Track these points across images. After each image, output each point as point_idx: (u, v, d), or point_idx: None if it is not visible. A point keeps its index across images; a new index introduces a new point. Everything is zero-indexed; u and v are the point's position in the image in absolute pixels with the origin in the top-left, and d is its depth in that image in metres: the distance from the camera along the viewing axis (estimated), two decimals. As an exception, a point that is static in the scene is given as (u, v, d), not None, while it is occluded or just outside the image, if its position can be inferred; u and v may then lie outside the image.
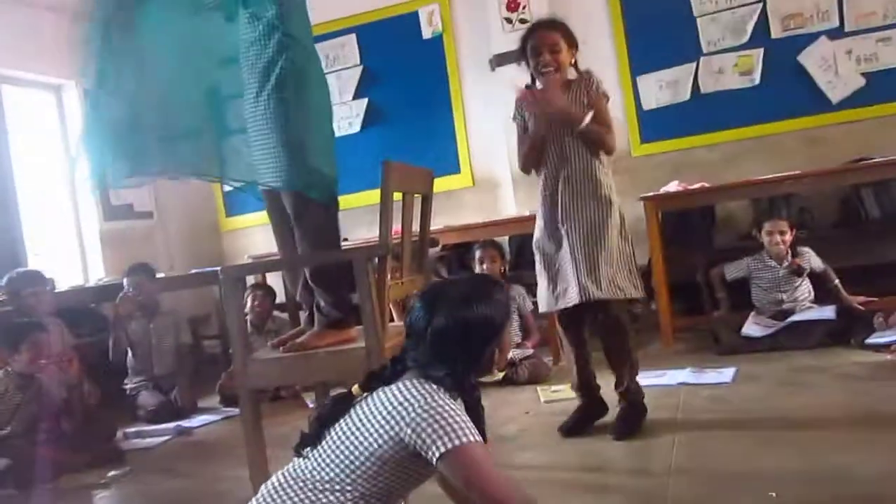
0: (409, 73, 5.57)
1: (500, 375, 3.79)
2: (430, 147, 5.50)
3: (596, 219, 2.74)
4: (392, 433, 1.41)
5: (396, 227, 2.31)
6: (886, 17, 4.69)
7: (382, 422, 1.43)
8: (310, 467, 1.49)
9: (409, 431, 1.39)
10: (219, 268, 5.36)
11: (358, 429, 1.46)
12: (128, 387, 4.45)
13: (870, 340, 3.64)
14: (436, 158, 5.41)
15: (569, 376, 3.04)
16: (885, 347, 3.52)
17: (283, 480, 1.51)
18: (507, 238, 5.06)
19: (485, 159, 5.50)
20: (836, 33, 4.78)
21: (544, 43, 2.76)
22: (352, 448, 1.45)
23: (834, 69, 4.78)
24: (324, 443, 1.50)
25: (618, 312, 2.81)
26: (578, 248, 2.73)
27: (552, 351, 4.18)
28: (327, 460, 1.47)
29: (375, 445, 1.42)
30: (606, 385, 2.97)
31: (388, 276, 2.26)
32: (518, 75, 3.02)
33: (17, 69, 5.18)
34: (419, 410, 1.40)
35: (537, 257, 2.91)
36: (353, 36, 5.67)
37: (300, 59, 2.31)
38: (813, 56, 4.82)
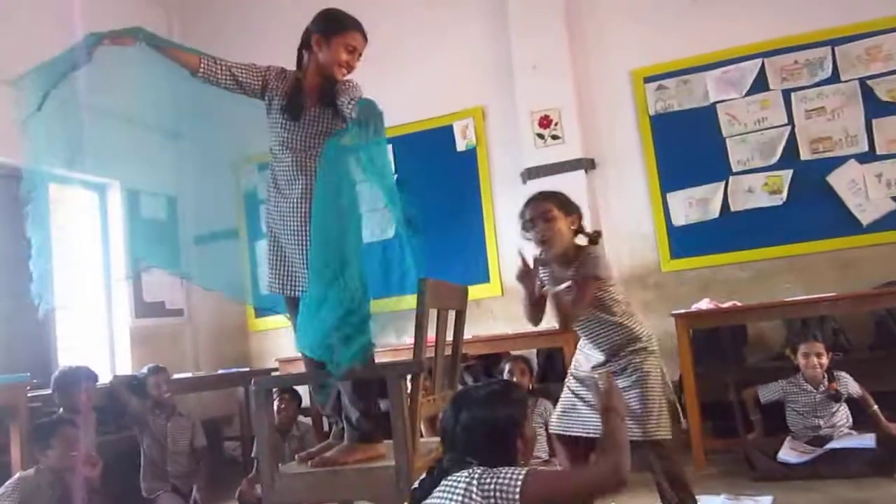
0: (441, 183, 5.69)
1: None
2: (461, 255, 5.56)
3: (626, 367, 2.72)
4: None
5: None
6: (916, 143, 4.76)
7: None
8: None
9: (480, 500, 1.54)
10: (246, 369, 5.40)
11: None
12: (144, 487, 4.38)
13: (913, 472, 3.50)
14: (466, 267, 5.47)
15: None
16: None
17: None
18: (534, 351, 5.02)
19: (514, 269, 5.51)
20: (866, 157, 4.84)
21: (537, 213, 2.80)
22: None
23: (864, 192, 4.82)
24: None
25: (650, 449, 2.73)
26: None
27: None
28: None
29: None
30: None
31: (420, 394, 2.25)
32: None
33: (64, 168, 5.37)
34: (476, 482, 1.56)
35: (571, 380, 2.88)
36: (389, 147, 5.83)
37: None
38: (842, 178, 4.87)
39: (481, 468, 1.61)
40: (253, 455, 4.58)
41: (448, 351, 2.56)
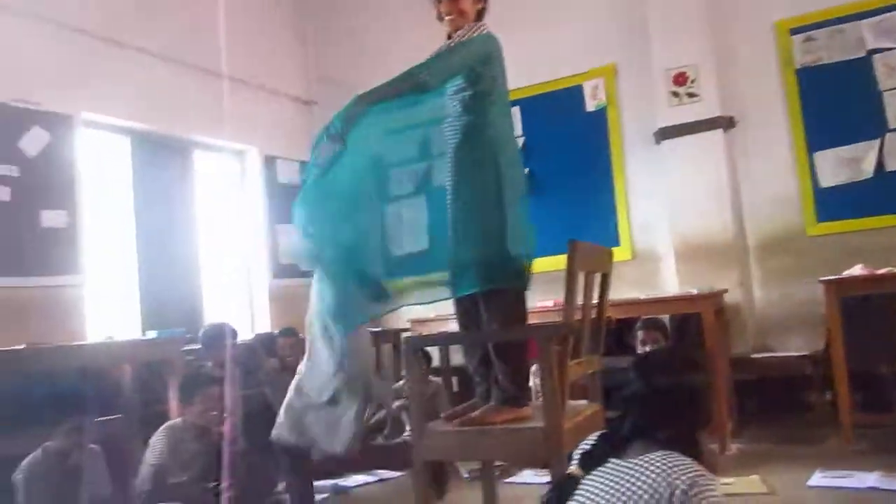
0: (570, 145, 5.59)
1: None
2: (589, 219, 5.46)
3: None
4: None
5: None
6: None
7: (648, 495, 1.49)
8: None
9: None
10: (378, 328, 5.54)
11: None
12: (286, 440, 4.59)
13: None
14: (595, 231, 5.37)
15: (740, 465, 2.84)
16: None
17: None
18: (667, 317, 4.88)
19: (645, 233, 5.39)
20: None
21: None
22: None
23: None
24: None
25: None
26: None
27: (718, 437, 3.95)
28: None
29: None
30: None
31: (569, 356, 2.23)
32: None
33: (206, 135, 5.64)
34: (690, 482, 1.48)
35: None
36: (517, 109, 5.78)
37: (501, 136, 2.41)
38: None
39: (681, 467, 1.52)
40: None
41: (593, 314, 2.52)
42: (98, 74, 4.72)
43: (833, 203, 4.84)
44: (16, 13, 4.33)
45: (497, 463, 3.07)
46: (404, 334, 5.38)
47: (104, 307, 4.79)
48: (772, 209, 5.01)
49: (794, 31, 4.98)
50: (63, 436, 3.23)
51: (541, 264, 4.91)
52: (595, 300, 2.52)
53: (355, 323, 2.68)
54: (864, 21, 4.78)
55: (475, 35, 2.47)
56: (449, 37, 2.59)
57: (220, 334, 4.28)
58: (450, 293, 2.48)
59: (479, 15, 2.57)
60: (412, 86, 2.33)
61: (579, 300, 2.33)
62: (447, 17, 2.54)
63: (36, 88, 4.40)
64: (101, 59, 4.75)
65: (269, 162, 6.08)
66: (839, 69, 4.85)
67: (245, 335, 5.63)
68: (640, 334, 4.12)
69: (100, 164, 4.98)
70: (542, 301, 4.52)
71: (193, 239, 5.56)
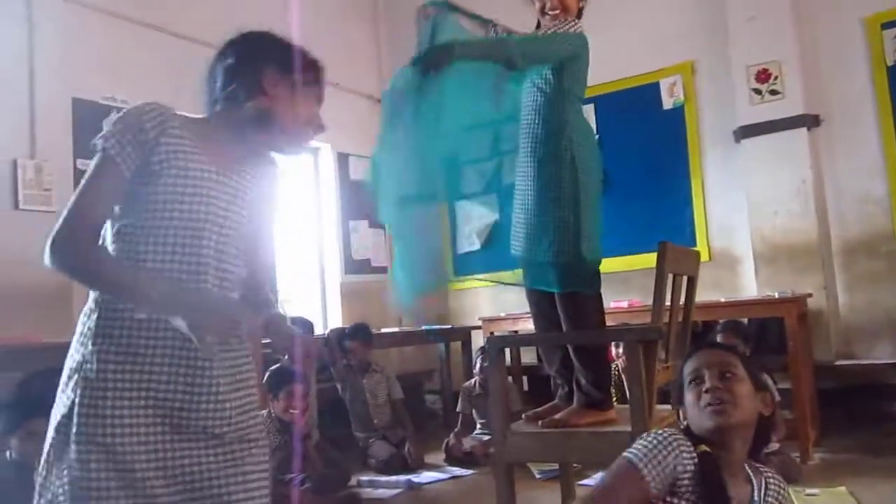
0: (646, 143, 5.50)
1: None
2: (665, 219, 5.36)
3: None
4: None
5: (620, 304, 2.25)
6: None
7: None
8: None
9: None
10: (448, 326, 5.55)
11: None
12: (359, 436, 4.65)
13: None
14: (670, 231, 5.25)
15: (824, 477, 2.74)
16: None
17: None
18: (745, 320, 4.76)
19: (723, 234, 5.27)
20: None
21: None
22: None
23: None
24: None
25: None
26: None
27: (800, 447, 3.83)
28: None
29: None
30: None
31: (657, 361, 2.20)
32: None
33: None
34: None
35: None
36: (591, 106, 5.72)
37: (580, 136, 2.37)
38: None
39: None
40: (458, 410, 4.74)
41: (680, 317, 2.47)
42: (181, 75, 4.84)
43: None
44: (112, 14, 4.48)
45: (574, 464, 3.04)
46: (474, 332, 5.41)
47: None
48: (859, 211, 4.84)
49: (886, 26, 4.78)
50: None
51: (615, 264, 4.94)
52: (682, 303, 2.47)
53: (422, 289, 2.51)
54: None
55: (571, 30, 2.43)
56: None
57: (298, 329, 4.34)
58: (526, 285, 2.47)
59: (579, 13, 2.54)
60: (501, 57, 2.31)
61: (667, 303, 2.29)
62: (551, 12, 2.47)
63: (121, 87, 4.54)
64: (184, 60, 4.87)
65: (342, 159, 6.16)
66: (934, 66, 4.64)
67: (318, 329, 5.73)
68: (718, 338, 4.02)
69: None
70: (616, 301, 4.46)
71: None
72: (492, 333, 4.89)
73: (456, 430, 4.58)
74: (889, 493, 3.14)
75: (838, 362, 4.61)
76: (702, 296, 4.79)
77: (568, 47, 2.40)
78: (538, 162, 2.40)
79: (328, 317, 5.95)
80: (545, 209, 2.36)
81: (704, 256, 5.25)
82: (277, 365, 3.98)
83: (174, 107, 1.52)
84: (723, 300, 4.36)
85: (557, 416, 2.34)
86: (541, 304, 2.49)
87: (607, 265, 4.96)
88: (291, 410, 3.73)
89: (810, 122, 4.88)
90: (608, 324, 4.15)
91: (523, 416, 2.54)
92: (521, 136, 2.48)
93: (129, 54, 4.60)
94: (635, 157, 5.53)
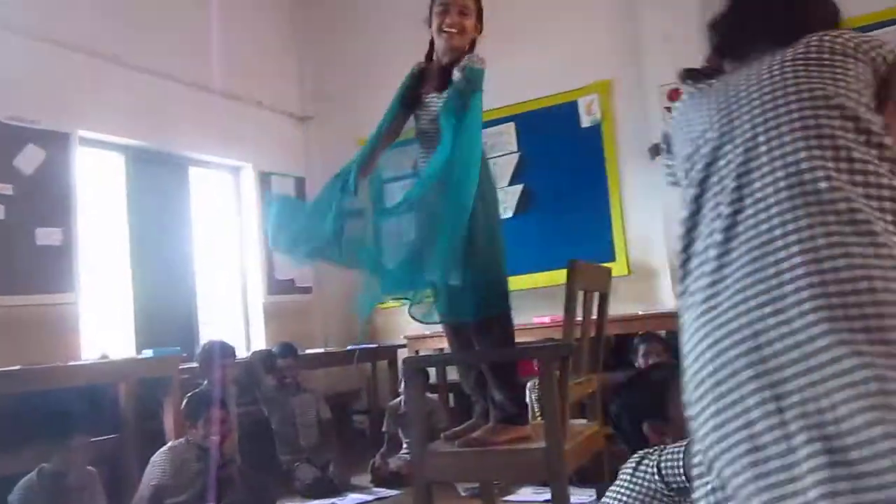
0: (565, 160, 5.61)
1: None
2: (585, 234, 5.47)
3: None
4: None
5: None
6: None
7: None
8: None
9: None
10: (374, 345, 5.52)
11: None
12: (284, 459, 4.57)
13: None
14: (590, 246, 5.38)
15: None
16: None
17: None
18: (663, 332, 4.88)
19: (641, 248, 5.40)
20: None
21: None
22: None
23: None
24: None
25: None
26: None
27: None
28: None
29: None
30: None
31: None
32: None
33: (201, 152, 5.64)
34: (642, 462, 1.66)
35: None
36: (512, 124, 5.81)
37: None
38: None
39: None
40: (384, 430, 4.71)
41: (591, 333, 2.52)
42: (94, 92, 4.72)
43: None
44: (13, 30, 4.32)
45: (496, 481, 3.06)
46: (401, 351, 5.39)
47: (99, 325, 4.77)
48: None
49: (788, 48, 5.01)
50: (59, 456, 3.21)
51: (537, 279, 5.00)
52: (594, 319, 2.52)
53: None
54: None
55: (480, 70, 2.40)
56: (431, 51, 2.56)
57: (215, 354, 4.25)
58: (447, 318, 2.48)
59: (473, 44, 2.52)
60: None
61: (578, 319, 2.33)
62: (448, 30, 2.43)
63: (32, 106, 4.39)
64: (97, 76, 4.75)
65: (265, 178, 6.09)
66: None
67: (241, 352, 5.61)
68: (641, 348, 4.11)
69: (95, 182, 4.97)
70: (538, 317, 4.52)
71: (189, 256, 5.54)
72: (417, 352, 4.89)
73: (382, 450, 4.55)
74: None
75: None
76: (622, 309, 4.92)
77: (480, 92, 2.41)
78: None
79: (251, 338, 5.84)
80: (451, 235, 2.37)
81: (623, 270, 5.38)
82: (196, 391, 3.89)
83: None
84: (640, 313, 4.46)
85: (474, 434, 2.35)
86: (452, 322, 2.51)
87: (529, 281, 5.06)
88: (212, 437, 3.64)
89: (720, 139, 5.05)
90: (532, 339, 4.24)
91: (442, 435, 2.54)
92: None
93: (28, 71, 4.44)
94: (556, 175, 5.64)
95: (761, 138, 1.10)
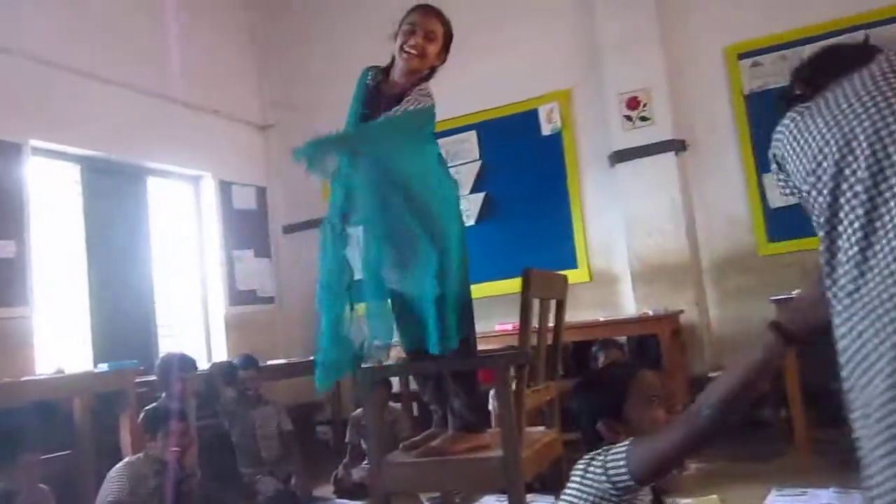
0: (527, 168, 5.64)
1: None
2: (547, 241, 5.50)
3: None
4: None
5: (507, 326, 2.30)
6: None
7: None
8: None
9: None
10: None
11: None
12: (245, 472, 4.51)
13: None
14: (552, 253, 5.41)
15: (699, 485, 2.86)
16: None
17: None
18: (624, 338, 4.93)
19: (603, 254, 5.45)
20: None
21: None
22: None
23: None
24: None
25: None
26: None
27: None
28: None
29: None
30: None
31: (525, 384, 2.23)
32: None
33: (160, 161, 5.57)
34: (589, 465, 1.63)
35: None
36: (474, 132, 5.83)
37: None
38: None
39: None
40: (346, 440, 4.67)
41: (549, 340, 2.53)
42: (47, 101, 4.63)
43: (783, 224, 4.93)
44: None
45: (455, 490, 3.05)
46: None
47: (54, 339, 4.67)
48: (725, 230, 5.11)
49: (742, 56, 5.11)
50: (7, 475, 3.12)
51: (500, 287, 5.01)
52: (551, 326, 2.53)
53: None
54: (807, 47, 4.91)
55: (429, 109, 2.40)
56: (390, 67, 2.52)
57: (174, 366, 4.18)
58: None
59: (432, 73, 2.49)
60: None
61: (535, 327, 2.34)
62: (409, 50, 2.39)
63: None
64: (49, 85, 4.66)
65: (225, 187, 6.02)
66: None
67: (202, 364, 5.53)
68: (600, 355, 4.15)
69: (49, 193, 4.87)
70: (501, 324, 4.53)
71: (147, 267, 5.45)
72: (380, 362, 4.86)
73: (345, 461, 4.52)
74: (758, 499, 3.30)
75: (711, 374, 4.82)
76: (583, 315, 4.97)
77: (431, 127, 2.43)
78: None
79: (212, 349, 5.77)
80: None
81: (585, 277, 5.42)
82: (153, 405, 3.82)
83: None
84: (602, 319, 4.49)
85: (433, 444, 2.34)
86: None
87: (492, 288, 5.05)
88: (173, 449, 3.57)
89: (678, 146, 5.14)
90: (494, 346, 4.24)
91: (401, 445, 2.53)
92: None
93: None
94: (518, 183, 5.68)
95: (887, 140, 1.21)
